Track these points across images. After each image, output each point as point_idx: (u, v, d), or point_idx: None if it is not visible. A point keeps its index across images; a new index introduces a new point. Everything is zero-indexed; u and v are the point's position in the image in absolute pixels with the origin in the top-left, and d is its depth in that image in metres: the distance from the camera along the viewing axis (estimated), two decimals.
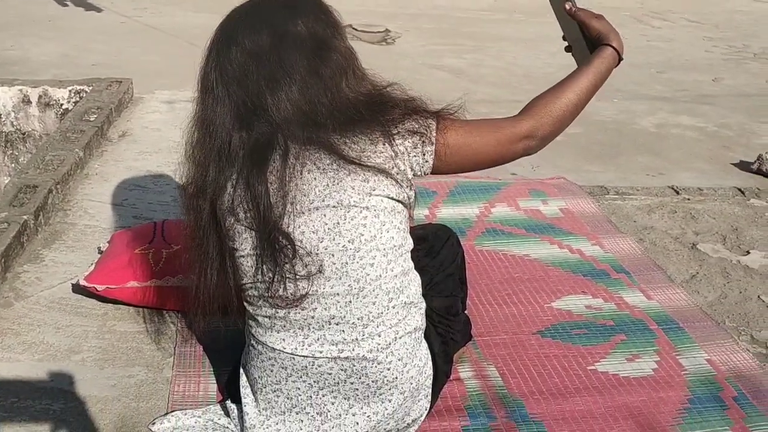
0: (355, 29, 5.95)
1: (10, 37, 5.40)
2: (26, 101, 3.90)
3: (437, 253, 1.79)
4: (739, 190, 3.25)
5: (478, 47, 5.95)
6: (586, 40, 1.62)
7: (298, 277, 1.44)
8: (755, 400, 1.88)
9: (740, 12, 8.19)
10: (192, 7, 6.24)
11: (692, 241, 2.76)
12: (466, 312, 1.94)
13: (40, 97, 3.90)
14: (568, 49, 1.70)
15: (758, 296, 2.41)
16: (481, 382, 1.91)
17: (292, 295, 1.45)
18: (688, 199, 3.11)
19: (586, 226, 2.77)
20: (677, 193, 3.17)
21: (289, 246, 1.42)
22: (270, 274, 1.44)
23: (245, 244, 1.46)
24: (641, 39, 6.63)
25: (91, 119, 3.31)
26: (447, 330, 1.69)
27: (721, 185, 3.35)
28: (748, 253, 2.69)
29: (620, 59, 1.62)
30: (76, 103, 3.76)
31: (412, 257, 1.53)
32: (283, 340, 1.49)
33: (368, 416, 1.53)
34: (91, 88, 3.77)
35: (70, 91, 3.87)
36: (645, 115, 4.56)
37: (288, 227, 1.42)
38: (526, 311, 2.23)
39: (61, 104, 3.88)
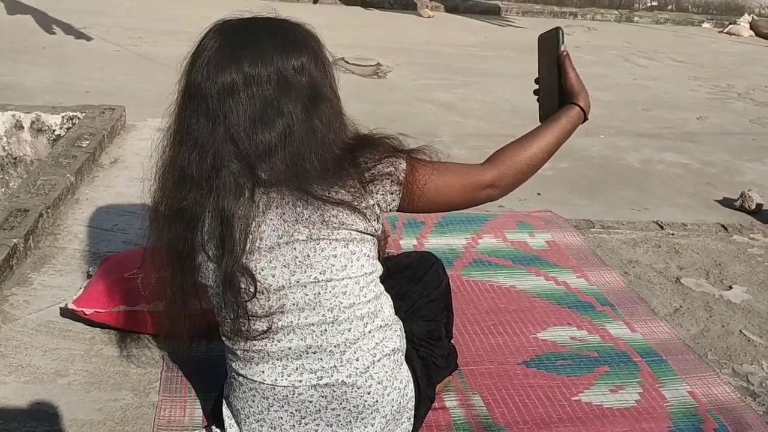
0: (347, 62, 6.03)
1: (3, 63, 5.44)
2: (18, 126, 3.91)
3: (420, 279, 1.81)
4: (723, 226, 3.29)
5: (467, 82, 6.05)
6: (559, 88, 1.68)
7: (260, 314, 1.44)
8: None
9: (725, 53, 8.37)
10: (186, 38, 6.30)
11: (676, 275, 2.79)
12: (452, 341, 1.96)
13: (32, 122, 3.91)
14: (536, 92, 1.76)
15: (740, 330, 2.45)
16: (466, 411, 1.92)
17: (258, 329, 1.46)
18: (672, 234, 3.16)
19: (571, 259, 2.80)
20: (661, 228, 3.21)
21: (251, 283, 1.42)
22: (233, 311, 1.45)
23: (214, 280, 1.46)
24: (628, 77, 6.76)
25: (83, 145, 3.33)
26: (429, 354, 1.71)
27: (704, 221, 3.41)
28: (731, 288, 2.73)
29: (585, 118, 1.68)
30: (68, 129, 3.78)
31: (395, 284, 1.55)
32: (263, 372, 1.50)
33: None
34: (84, 114, 3.79)
35: (63, 117, 3.88)
36: (631, 151, 4.64)
37: (253, 263, 1.42)
38: (512, 341, 2.25)
39: (54, 130, 3.89)
